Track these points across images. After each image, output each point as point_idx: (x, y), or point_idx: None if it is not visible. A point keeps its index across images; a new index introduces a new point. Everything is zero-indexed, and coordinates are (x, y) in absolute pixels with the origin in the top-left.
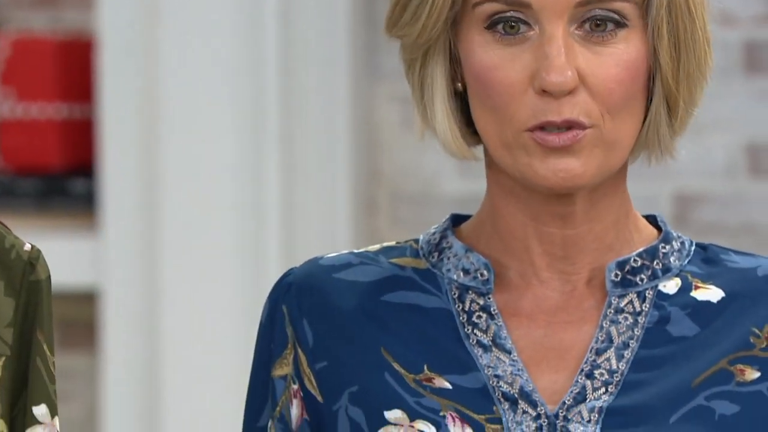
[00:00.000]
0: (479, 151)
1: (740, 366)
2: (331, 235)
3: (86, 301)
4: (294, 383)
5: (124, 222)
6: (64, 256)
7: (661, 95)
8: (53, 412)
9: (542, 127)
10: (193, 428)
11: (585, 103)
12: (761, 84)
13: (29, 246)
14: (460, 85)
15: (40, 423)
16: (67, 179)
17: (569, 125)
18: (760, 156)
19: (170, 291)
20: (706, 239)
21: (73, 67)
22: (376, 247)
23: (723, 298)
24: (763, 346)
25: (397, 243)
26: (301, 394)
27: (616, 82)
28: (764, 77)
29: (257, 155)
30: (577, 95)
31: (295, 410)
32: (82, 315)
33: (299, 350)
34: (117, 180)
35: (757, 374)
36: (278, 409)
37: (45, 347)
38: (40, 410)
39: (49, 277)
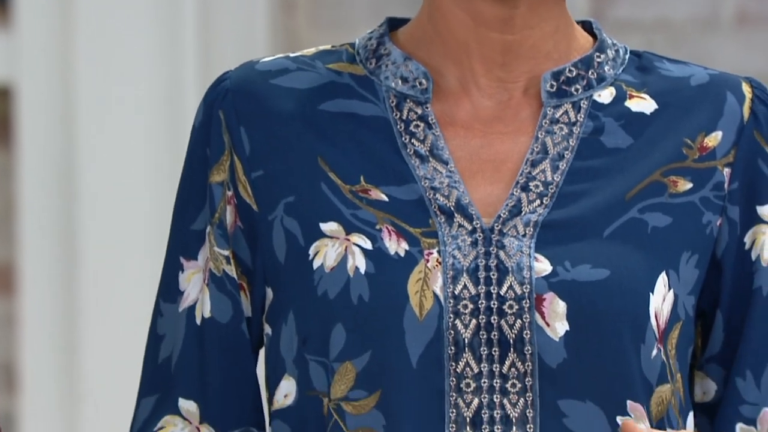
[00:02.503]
0: None
1: (673, 177)
2: (249, 37)
3: (0, 97)
4: (229, 190)
5: (38, 16)
6: None
7: None
8: None
9: None
10: (109, 220)
11: None
12: None
13: None
14: None
15: None
16: None
17: None
18: None
19: (85, 85)
20: (622, 36)
21: None
22: (312, 50)
23: (656, 109)
24: (696, 156)
25: (333, 47)
26: (235, 201)
27: None
28: None
29: None
30: None
31: (229, 217)
32: None
33: (235, 157)
34: None
35: (689, 185)
36: (217, 215)
37: None
38: None
39: None
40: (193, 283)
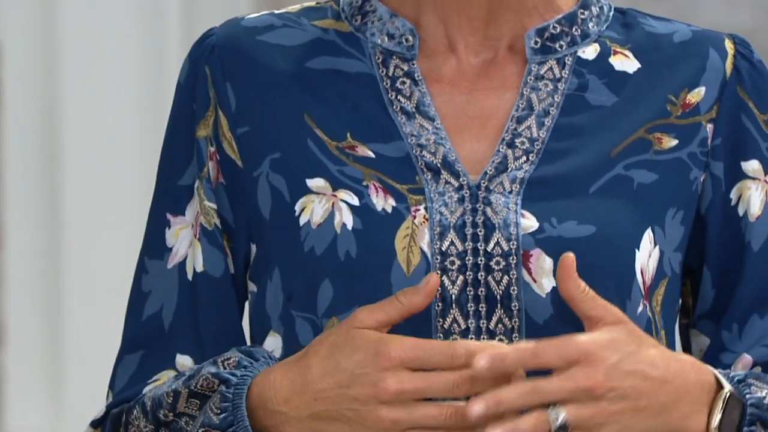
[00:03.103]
0: None
1: (658, 134)
2: None
3: None
4: (211, 146)
5: None
6: None
7: None
8: None
9: None
10: (94, 176)
11: None
12: None
13: None
14: None
15: None
16: None
17: None
18: None
19: (69, 42)
20: None
21: None
22: (297, 7)
23: (639, 68)
24: (679, 113)
25: (317, 3)
26: (218, 157)
27: None
28: None
29: None
30: None
31: (212, 173)
32: None
33: (220, 113)
34: None
35: (674, 142)
36: (206, 169)
37: None
38: None
39: None
40: (181, 239)
